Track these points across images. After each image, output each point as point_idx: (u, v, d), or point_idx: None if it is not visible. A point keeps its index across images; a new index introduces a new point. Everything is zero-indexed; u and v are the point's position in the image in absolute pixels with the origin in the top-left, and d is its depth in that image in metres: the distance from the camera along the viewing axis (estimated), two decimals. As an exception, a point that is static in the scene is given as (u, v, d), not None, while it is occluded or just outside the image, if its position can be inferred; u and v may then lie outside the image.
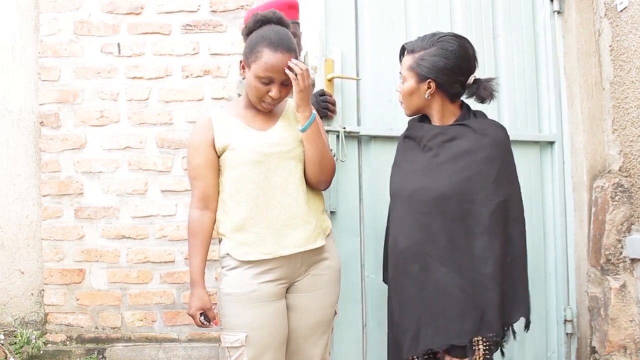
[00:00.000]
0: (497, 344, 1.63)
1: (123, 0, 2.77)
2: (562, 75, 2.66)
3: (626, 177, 2.41)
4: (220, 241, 1.78)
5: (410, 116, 1.82)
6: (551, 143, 2.66)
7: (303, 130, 1.71)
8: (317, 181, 1.78)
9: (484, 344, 1.59)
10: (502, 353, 1.73)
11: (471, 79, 1.72)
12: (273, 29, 1.68)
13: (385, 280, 1.93)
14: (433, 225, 1.63)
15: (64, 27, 2.78)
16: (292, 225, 1.70)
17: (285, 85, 1.68)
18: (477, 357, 1.60)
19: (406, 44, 1.75)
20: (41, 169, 2.77)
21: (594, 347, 2.48)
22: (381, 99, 2.46)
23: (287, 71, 1.65)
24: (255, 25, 1.71)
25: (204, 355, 2.64)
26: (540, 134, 2.65)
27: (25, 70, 2.86)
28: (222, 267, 1.75)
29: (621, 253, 2.39)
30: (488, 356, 1.60)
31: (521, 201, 1.70)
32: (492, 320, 1.59)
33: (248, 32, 1.72)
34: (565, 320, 2.60)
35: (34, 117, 2.84)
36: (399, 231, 1.72)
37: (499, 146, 1.66)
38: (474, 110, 1.78)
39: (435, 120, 1.75)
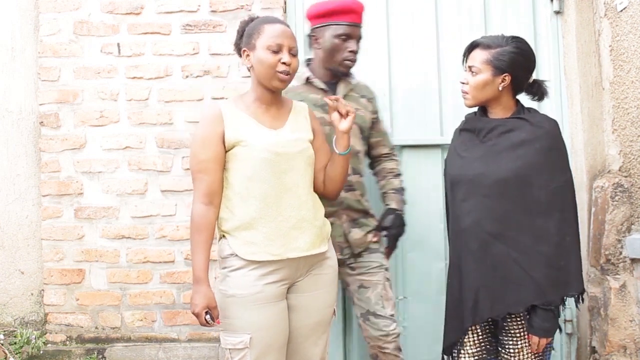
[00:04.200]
0: (553, 314, 1.74)
1: (123, 0, 2.76)
2: (562, 75, 2.66)
3: (626, 177, 2.41)
4: (220, 239, 1.78)
5: (472, 107, 1.93)
6: (551, 143, 2.66)
7: (345, 154, 1.80)
8: (333, 195, 1.86)
9: (541, 310, 1.73)
10: (560, 329, 1.87)
11: (531, 79, 1.88)
12: (263, 16, 1.81)
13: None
14: (493, 206, 1.78)
15: (64, 27, 2.77)
16: (300, 228, 1.71)
17: (294, 56, 1.74)
18: (531, 325, 1.74)
19: (479, 40, 1.86)
20: (41, 169, 2.77)
21: (594, 347, 2.48)
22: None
23: (338, 107, 1.79)
24: (245, 23, 1.82)
25: (204, 355, 2.64)
26: (541, 134, 2.66)
27: (25, 70, 2.85)
28: (224, 268, 1.73)
29: (621, 253, 2.39)
30: (546, 324, 1.74)
31: (573, 188, 1.82)
32: (547, 290, 1.72)
33: (241, 32, 1.83)
34: (565, 320, 2.61)
35: (33, 117, 2.84)
36: (462, 212, 1.85)
37: (554, 137, 1.81)
38: (527, 107, 1.91)
39: (497, 112, 1.88)
